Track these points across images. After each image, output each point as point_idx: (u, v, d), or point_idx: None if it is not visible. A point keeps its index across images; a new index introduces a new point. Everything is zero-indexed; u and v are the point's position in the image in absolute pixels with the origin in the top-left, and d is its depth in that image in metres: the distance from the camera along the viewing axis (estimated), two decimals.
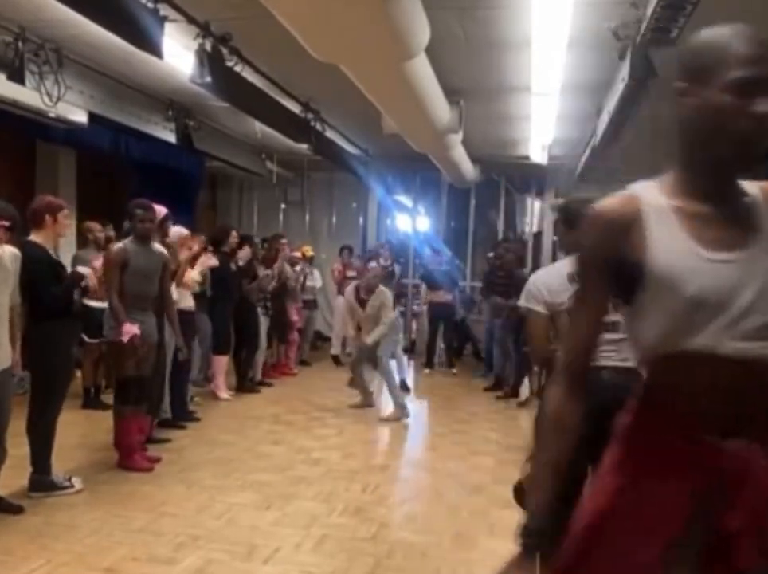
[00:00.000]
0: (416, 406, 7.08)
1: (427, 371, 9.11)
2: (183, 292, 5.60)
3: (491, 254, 8.74)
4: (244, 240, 7.38)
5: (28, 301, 3.81)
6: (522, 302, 2.85)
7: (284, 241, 7.99)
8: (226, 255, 6.65)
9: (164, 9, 4.25)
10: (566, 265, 2.75)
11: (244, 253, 6.93)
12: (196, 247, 5.67)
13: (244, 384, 7.14)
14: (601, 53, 4.72)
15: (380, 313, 6.50)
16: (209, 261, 6.25)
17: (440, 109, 5.73)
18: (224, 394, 6.79)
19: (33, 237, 3.88)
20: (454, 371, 9.03)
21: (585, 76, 5.49)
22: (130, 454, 4.51)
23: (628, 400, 1.40)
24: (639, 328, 1.35)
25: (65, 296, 4.00)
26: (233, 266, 6.72)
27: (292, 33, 3.56)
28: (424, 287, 9.50)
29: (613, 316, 2.65)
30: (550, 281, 2.74)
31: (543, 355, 2.75)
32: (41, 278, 3.83)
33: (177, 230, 5.68)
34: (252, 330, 7.07)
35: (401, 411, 6.33)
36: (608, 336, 2.64)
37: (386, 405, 6.59)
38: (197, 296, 5.95)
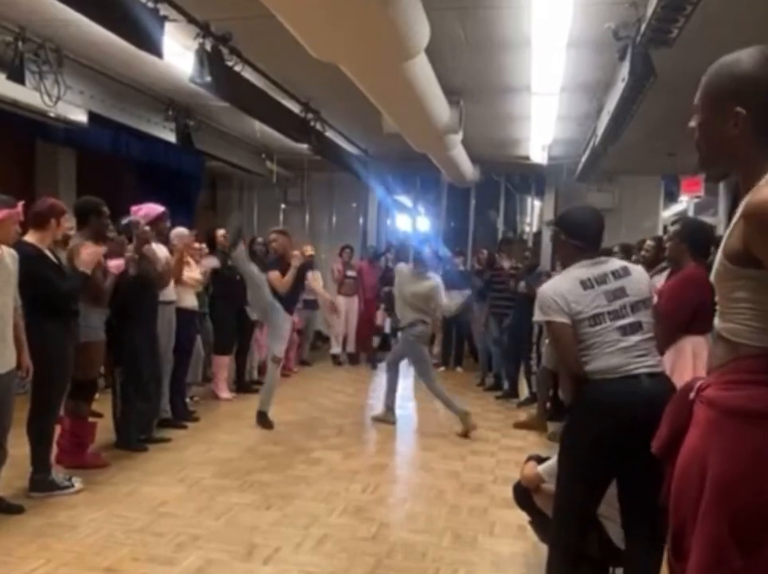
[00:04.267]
0: (416, 405, 7.10)
1: (442, 369, 9.12)
2: (184, 291, 5.60)
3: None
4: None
5: (26, 301, 3.80)
6: (539, 317, 2.60)
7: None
8: (222, 254, 6.64)
9: (164, 9, 4.25)
10: (579, 272, 2.60)
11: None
12: (196, 245, 5.66)
13: (244, 384, 7.14)
14: (601, 53, 4.73)
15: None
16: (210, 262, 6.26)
17: (440, 109, 5.73)
18: (224, 394, 6.80)
19: (29, 237, 3.85)
20: (459, 369, 9.11)
21: (585, 76, 5.49)
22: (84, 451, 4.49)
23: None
24: None
25: (72, 292, 4.00)
26: (229, 263, 6.71)
27: (292, 33, 3.56)
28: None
29: (639, 316, 2.58)
30: (567, 289, 2.56)
31: (576, 369, 2.54)
32: (45, 277, 3.82)
33: (179, 231, 5.69)
34: (245, 330, 7.05)
35: (389, 414, 6.23)
36: (637, 337, 2.52)
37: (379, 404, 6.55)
38: (201, 296, 5.96)
